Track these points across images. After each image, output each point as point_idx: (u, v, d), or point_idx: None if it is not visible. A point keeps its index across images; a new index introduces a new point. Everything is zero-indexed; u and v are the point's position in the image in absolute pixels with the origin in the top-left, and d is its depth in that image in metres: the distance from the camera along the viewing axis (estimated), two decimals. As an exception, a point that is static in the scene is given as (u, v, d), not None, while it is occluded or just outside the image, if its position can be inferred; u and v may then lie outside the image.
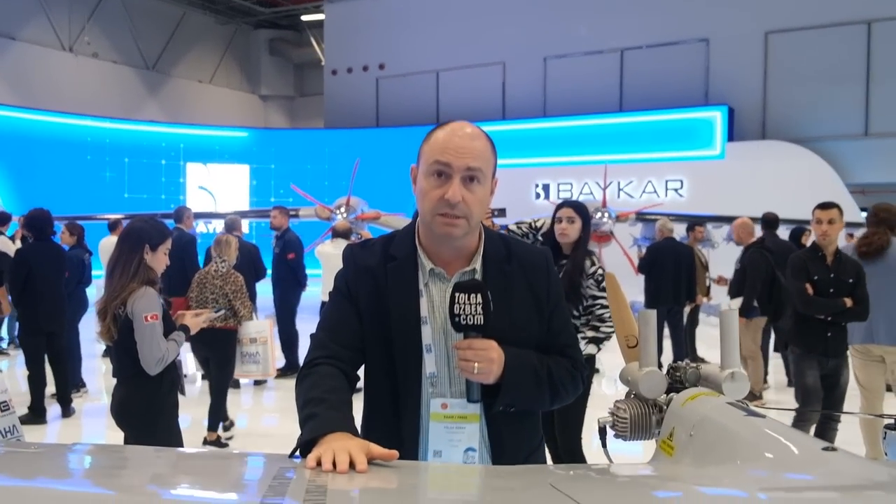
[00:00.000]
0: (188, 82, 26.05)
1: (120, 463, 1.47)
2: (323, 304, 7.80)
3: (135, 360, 3.51)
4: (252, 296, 7.41)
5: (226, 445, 6.03)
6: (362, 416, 1.92)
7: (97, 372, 8.63)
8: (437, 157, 1.73)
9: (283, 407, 7.42)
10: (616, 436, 1.72)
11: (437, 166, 1.72)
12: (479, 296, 1.67)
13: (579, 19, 19.58)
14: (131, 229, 3.70)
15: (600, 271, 4.19)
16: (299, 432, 1.96)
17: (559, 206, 4.39)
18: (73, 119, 19.75)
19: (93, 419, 6.92)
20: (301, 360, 5.84)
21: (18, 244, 9.23)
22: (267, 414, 7.57)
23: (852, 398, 5.17)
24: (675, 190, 18.10)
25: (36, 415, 6.62)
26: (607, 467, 1.52)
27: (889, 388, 5.37)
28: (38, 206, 7.12)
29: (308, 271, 8.81)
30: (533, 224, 4.57)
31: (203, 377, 8.17)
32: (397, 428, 1.78)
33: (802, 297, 4.85)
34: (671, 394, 1.68)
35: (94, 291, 8.29)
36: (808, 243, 9.64)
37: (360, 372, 1.88)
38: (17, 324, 9.43)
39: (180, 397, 3.81)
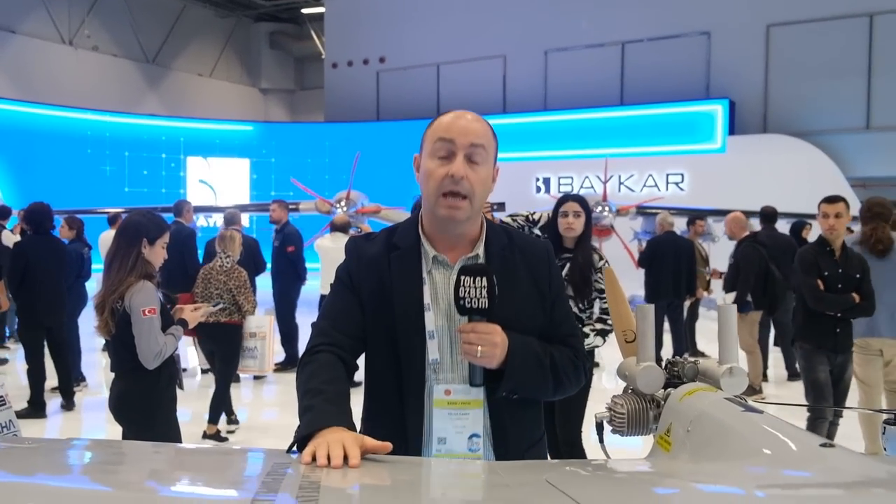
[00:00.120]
0: (188, 76, 26.01)
1: (113, 458, 1.46)
2: (322, 297, 7.80)
3: (133, 354, 3.50)
4: (252, 290, 7.42)
5: (225, 439, 6.03)
6: (363, 407, 1.92)
7: (97, 366, 8.63)
8: (441, 135, 1.78)
9: (283, 401, 7.43)
10: (613, 431, 1.71)
11: (440, 144, 1.77)
12: (484, 279, 1.68)
13: (580, 12, 19.52)
14: (129, 223, 3.69)
15: (607, 265, 4.20)
16: (299, 425, 1.96)
17: (563, 200, 4.34)
18: (73, 112, 19.72)
19: (93, 413, 6.93)
20: (301, 354, 5.82)
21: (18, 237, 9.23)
22: (267, 408, 7.57)
23: (851, 393, 5.16)
24: (676, 184, 18.07)
25: (35, 409, 6.62)
26: (604, 463, 1.51)
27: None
28: (37, 200, 7.11)
29: (307, 265, 8.80)
30: (530, 217, 4.53)
31: (203, 371, 8.20)
32: (401, 415, 1.78)
33: (815, 294, 4.78)
34: (669, 389, 1.67)
35: (94, 285, 8.28)
36: (809, 237, 9.68)
37: (360, 370, 1.88)
38: (16, 318, 9.44)
39: (179, 392, 3.81)
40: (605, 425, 1.75)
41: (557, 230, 4.28)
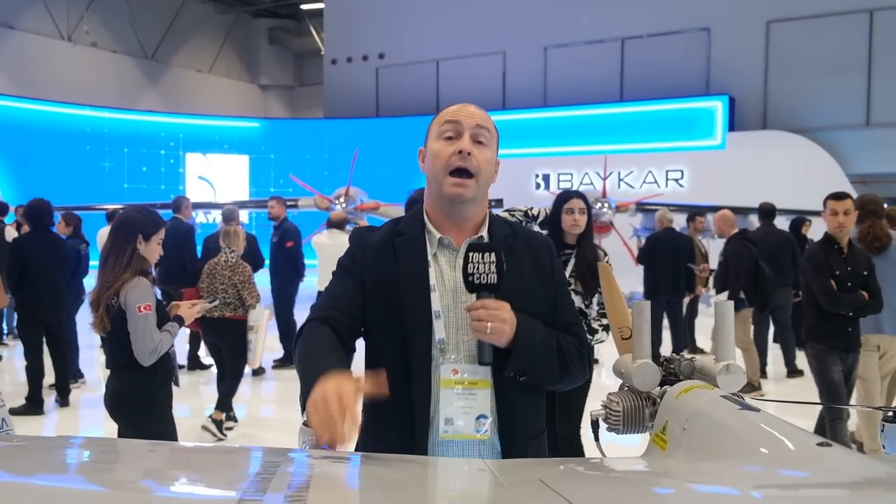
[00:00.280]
0: (187, 72, 25.99)
1: (101, 457, 1.44)
2: (319, 294, 7.78)
3: (128, 350, 3.48)
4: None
5: (229, 428, 6.09)
6: (363, 403, 1.91)
7: (95, 362, 8.62)
8: (448, 118, 1.85)
9: (281, 397, 7.42)
10: (609, 429, 1.69)
11: (447, 126, 1.84)
12: (492, 255, 1.71)
13: (580, 8, 19.49)
14: (124, 219, 3.66)
15: (608, 261, 4.21)
16: (297, 422, 1.95)
17: (567, 197, 4.32)
18: (71, 109, 19.71)
19: (90, 410, 6.91)
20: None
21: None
22: (265, 404, 7.56)
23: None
24: (676, 180, 18.06)
25: (33, 406, 6.60)
26: (599, 462, 1.49)
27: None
28: (36, 197, 7.10)
29: (305, 261, 8.79)
30: (528, 212, 4.51)
31: (196, 367, 8.21)
32: (408, 397, 1.78)
33: (829, 295, 4.69)
34: (665, 386, 1.65)
35: (92, 282, 8.27)
36: (808, 234, 9.67)
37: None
38: (15, 315, 9.43)
39: (176, 388, 3.79)
40: (601, 423, 1.73)
41: (559, 227, 4.28)
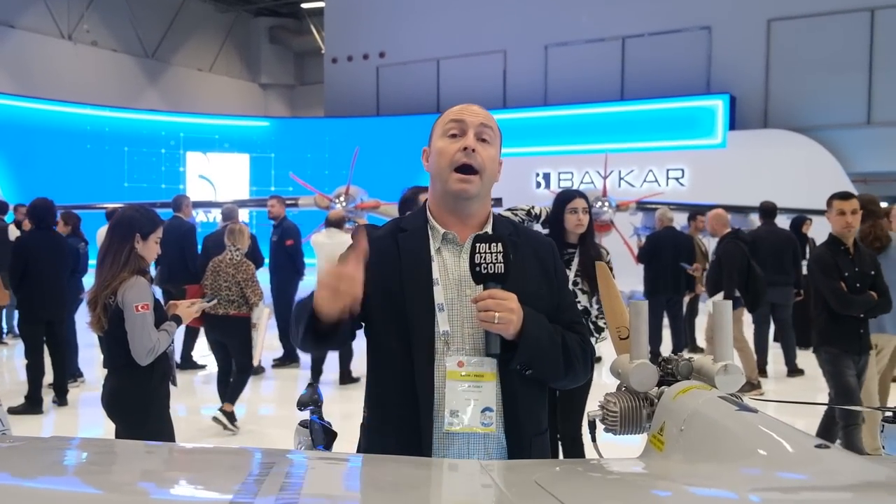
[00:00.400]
0: (188, 70, 25.98)
1: (95, 458, 1.43)
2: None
3: (125, 350, 3.46)
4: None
5: (235, 419, 6.16)
6: (366, 395, 1.95)
7: (94, 361, 8.59)
8: (453, 117, 1.88)
9: (281, 396, 7.41)
10: (606, 430, 1.68)
11: (453, 126, 1.87)
12: (499, 245, 1.73)
13: (580, 7, 19.46)
14: (121, 218, 3.65)
15: (609, 259, 4.26)
16: (296, 421, 1.94)
17: (570, 197, 4.33)
18: (72, 108, 19.69)
19: (90, 409, 6.90)
20: (299, 350, 5.78)
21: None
22: (265, 403, 7.55)
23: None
24: (677, 179, 18.03)
25: (32, 405, 6.59)
26: (595, 463, 1.48)
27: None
28: (37, 196, 7.11)
29: (305, 260, 8.78)
30: (531, 211, 4.50)
31: (189, 366, 8.20)
32: (412, 391, 1.78)
33: (840, 298, 4.59)
34: (663, 387, 1.64)
35: (92, 281, 8.27)
36: (808, 233, 9.65)
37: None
38: (15, 313, 9.42)
39: (173, 387, 3.77)
40: (598, 424, 1.72)
41: (561, 226, 4.29)
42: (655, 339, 8.59)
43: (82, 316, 6.97)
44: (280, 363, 8.31)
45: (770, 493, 1.15)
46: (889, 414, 1.74)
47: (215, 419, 6.01)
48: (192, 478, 1.30)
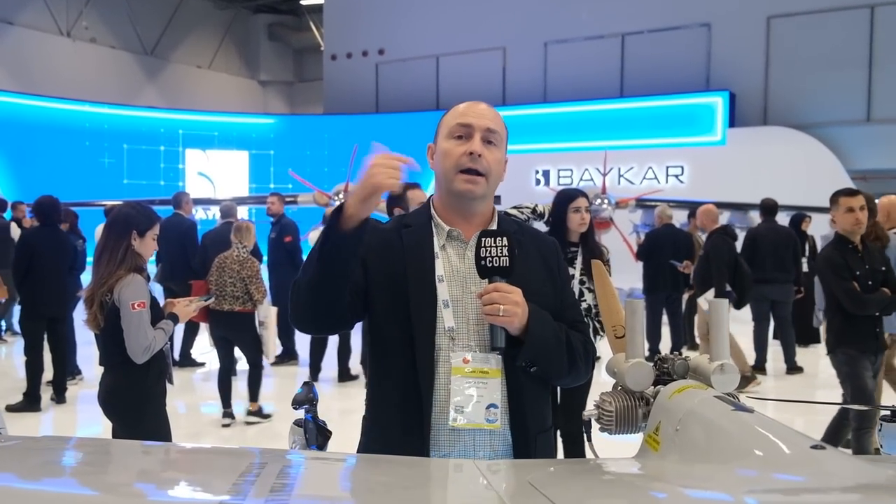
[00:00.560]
0: (187, 68, 25.94)
1: (87, 458, 1.42)
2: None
3: (121, 348, 3.45)
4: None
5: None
6: (367, 396, 1.95)
7: (93, 359, 8.55)
8: (459, 120, 1.88)
9: (280, 393, 7.40)
10: (601, 429, 1.67)
11: (459, 129, 1.87)
12: (505, 238, 1.74)
13: (580, 4, 19.43)
14: (118, 215, 3.64)
15: (609, 258, 4.30)
16: (294, 419, 1.93)
17: (574, 196, 4.37)
18: (71, 105, 19.67)
19: (88, 406, 6.88)
20: (297, 348, 5.80)
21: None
22: (263, 401, 7.52)
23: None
24: (676, 176, 18.02)
25: (31, 402, 6.59)
26: (590, 463, 1.47)
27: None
28: (35, 193, 7.14)
29: (303, 257, 8.78)
30: (535, 209, 4.51)
31: (187, 364, 8.20)
32: (415, 387, 1.78)
33: (855, 299, 4.47)
34: (659, 386, 1.63)
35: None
36: (808, 230, 9.63)
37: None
38: (16, 311, 9.41)
39: (171, 385, 3.76)
40: (594, 423, 1.71)
41: (562, 225, 4.33)
42: (655, 336, 8.59)
43: (80, 313, 6.98)
44: (279, 361, 8.30)
45: (765, 494, 1.14)
46: (887, 413, 1.73)
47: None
48: (182, 478, 1.29)
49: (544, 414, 1.92)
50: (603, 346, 5.28)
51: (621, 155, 17.46)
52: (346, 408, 6.38)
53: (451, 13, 21.03)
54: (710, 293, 6.99)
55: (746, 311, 8.30)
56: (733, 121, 17.71)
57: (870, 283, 4.50)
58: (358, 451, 1.86)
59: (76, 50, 22.20)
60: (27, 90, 19.28)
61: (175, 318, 3.80)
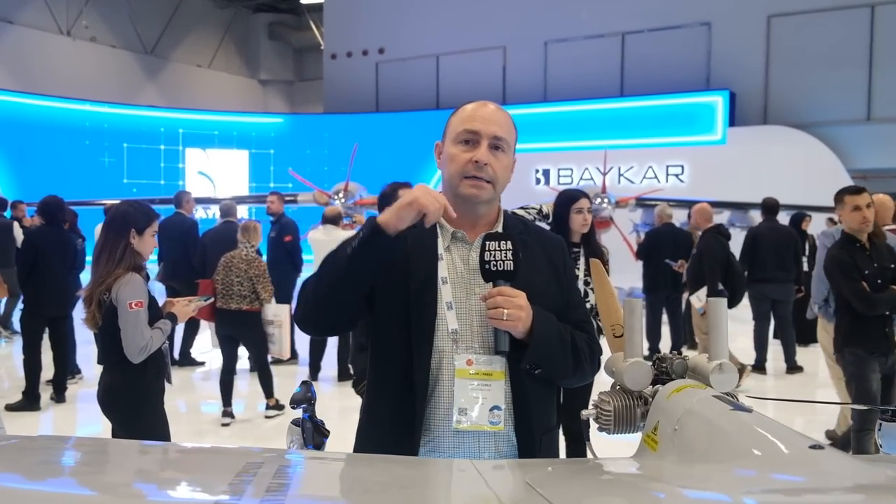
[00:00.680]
0: (187, 67, 25.93)
1: (83, 458, 1.42)
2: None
3: (119, 346, 3.45)
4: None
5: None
6: (367, 398, 1.95)
7: (92, 358, 8.57)
8: (466, 125, 1.85)
9: (278, 393, 7.39)
10: (599, 429, 1.66)
11: (465, 134, 1.84)
12: (509, 242, 1.74)
13: (580, 3, 19.42)
14: (116, 213, 3.63)
15: (608, 257, 4.32)
16: (294, 419, 1.93)
17: (576, 197, 4.40)
18: (71, 104, 19.66)
19: (88, 405, 6.87)
20: (297, 346, 5.82)
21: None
22: (263, 401, 7.53)
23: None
24: (676, 175, 18.02)
25: (30, 401, 6.58)
26: (588, 463, 1.47)
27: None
28: (35, 192, 7.13)
29: (302, 257, 8.79)
30: (542, 209, 4.53)
31: (187, 363, 8.19)
32: (410, 382, 1.78)
33: (864, 299, 4.40)
34: (657, 386, 1.63)
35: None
36: (809, 229, 9.63)
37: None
38: (13, 309, 9.41)
39: (172, 385, 3.76)
40: (592, 423, 1.70)
41: (565, 226, 4.35)
42: (655, 335, 8.59)
43: (80, 313, 6.98)
44: (278, 359, 8.29)
45: (764, 494, 1.14)
46: (887, 412, 1.72)
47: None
48: (179, 478, 1.29)
49: (549, 414, 1.92)
50: (603, 346, 5.29)
51: (621, 154, 17.45)
52: (345, 407, 6.37)
53: (451, 12, 21.02)
54: (702, 292, 7.00)
55: (746, 310, 8.30)
56: (733, 120, 17.71)
57: (879, 281, 4.44)
58: (353, 451, 1.86)
59: (76, 49, 22.20)
60: (27, 89, 19.27)
61: (174, 318, 3.79)
